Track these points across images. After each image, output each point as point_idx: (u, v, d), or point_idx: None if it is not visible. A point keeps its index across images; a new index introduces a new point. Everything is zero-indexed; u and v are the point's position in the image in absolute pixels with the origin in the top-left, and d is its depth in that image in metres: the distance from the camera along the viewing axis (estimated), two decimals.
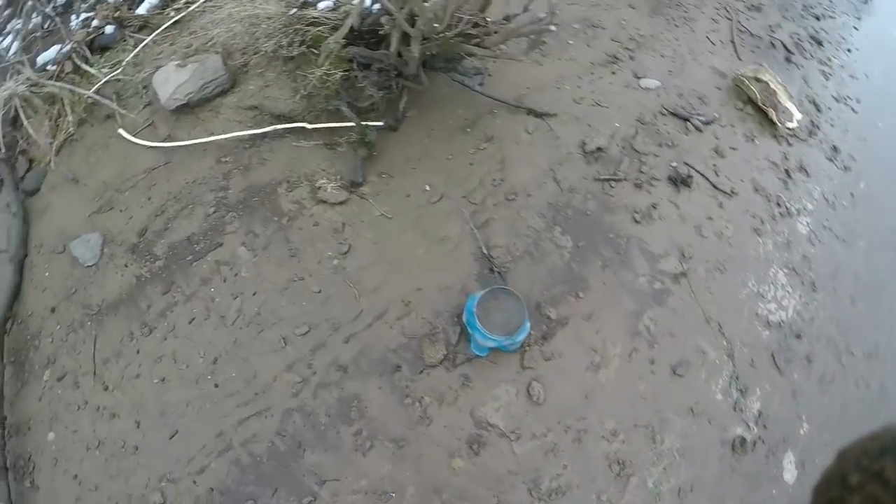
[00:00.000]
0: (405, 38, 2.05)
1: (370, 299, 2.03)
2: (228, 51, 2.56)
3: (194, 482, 1.98)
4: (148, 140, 2.47)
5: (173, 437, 2.02)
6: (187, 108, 2.48)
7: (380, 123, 2.21)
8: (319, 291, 2.03)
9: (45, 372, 2.27)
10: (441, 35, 2.03)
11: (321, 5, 2.36)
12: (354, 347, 1.99)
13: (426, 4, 1.90)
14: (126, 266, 2.25)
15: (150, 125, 2.55)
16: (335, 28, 2.25)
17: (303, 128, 2.24)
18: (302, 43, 2.30)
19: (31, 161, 2.82)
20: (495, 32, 2.18)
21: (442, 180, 2.25)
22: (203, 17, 2.78)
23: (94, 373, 2.16)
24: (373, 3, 2.21)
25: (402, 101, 2.26)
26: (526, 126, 2.47)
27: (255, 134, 2.29)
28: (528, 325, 1.92)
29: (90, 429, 2.14)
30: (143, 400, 2.08)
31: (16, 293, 2.44)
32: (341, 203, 2.15)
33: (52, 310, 2.33)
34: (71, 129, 2.73)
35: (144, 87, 2.70)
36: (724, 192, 2.47)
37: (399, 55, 2.10)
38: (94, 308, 2.25)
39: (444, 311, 2.06)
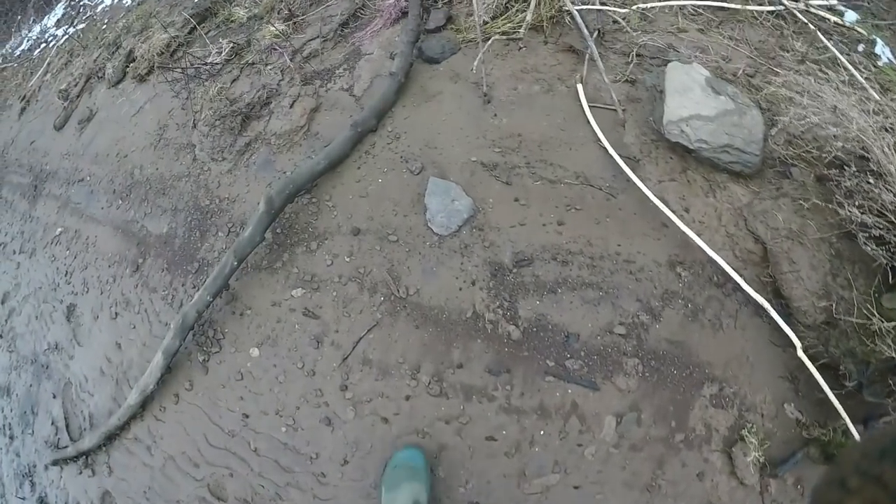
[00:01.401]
0: None
1: None
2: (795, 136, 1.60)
3: None
4: (604, 131, 1.66)
5: None
6: (685, 150, 1.61)
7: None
8: None
9: (298, 290, 1.75)
10: None
11: None
12: None
13: None
14: (473, 283, 1.57)
15: (621, 111, 1.71)
16: None
17: (793, 346, 1.34)
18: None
19: (448, 19, 2.11)
20: None
21: None
22: None
23: (345, 358, 1.61)
24: None
25: None
26: None
27: (732, 278, 1.41)
28: None
29: (296, 401, 1.63)
30: (373, 452, 1.51)
31: (333, 165, 1.87)
32: (740, 483, 1.30)
33: (356, 232, 1.75)
34: (521, 31, 1.95)
35: (650, 65, 1.83)
36: None
37: None
38: (399, 287, 1.63)
39: None
